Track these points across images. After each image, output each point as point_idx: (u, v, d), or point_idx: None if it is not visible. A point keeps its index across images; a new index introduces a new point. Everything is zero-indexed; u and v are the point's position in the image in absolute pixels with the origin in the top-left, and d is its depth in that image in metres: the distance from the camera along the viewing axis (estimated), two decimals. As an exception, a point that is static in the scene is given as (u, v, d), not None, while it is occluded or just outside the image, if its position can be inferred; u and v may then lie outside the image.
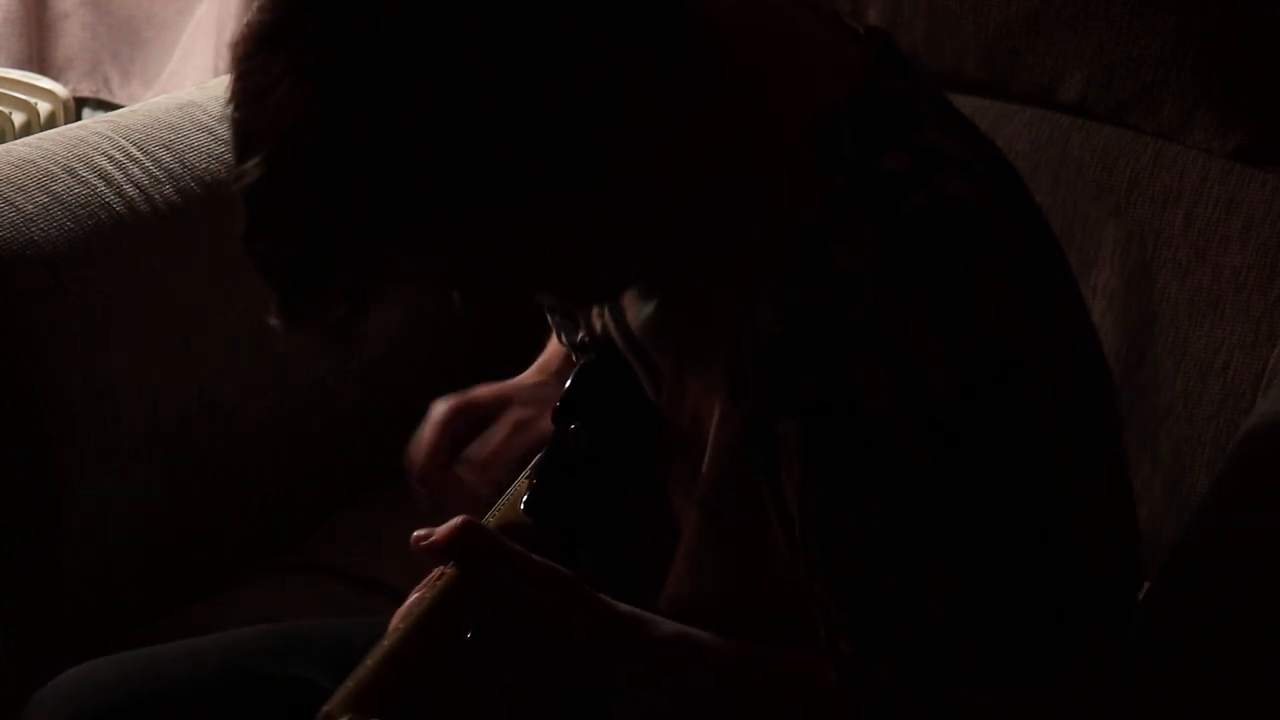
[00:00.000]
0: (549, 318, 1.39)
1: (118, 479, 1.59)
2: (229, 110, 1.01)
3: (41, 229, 1.56)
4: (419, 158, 0.97)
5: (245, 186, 1.00)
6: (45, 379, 1.53)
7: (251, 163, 0.99)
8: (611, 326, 1.21)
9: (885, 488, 0.99)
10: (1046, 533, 1.02)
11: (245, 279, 1.66)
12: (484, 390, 1.35)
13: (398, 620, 1.15)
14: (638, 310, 1.17)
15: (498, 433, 1.32)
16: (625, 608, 1.12)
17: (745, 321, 1.05)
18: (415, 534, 1.11)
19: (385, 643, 1.09)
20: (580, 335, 1.32)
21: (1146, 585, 1.15)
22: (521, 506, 1.21)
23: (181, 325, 1.62)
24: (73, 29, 2.55)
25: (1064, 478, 1.03)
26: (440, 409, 1.33)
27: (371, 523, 1.74)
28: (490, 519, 1.23)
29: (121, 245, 1.60)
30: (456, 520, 1.10)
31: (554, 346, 1.41)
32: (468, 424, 1.33)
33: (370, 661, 1.08)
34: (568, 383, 1.25)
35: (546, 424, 1.29)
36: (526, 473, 1.26)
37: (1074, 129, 1.56)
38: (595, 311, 1.24)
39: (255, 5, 1.01)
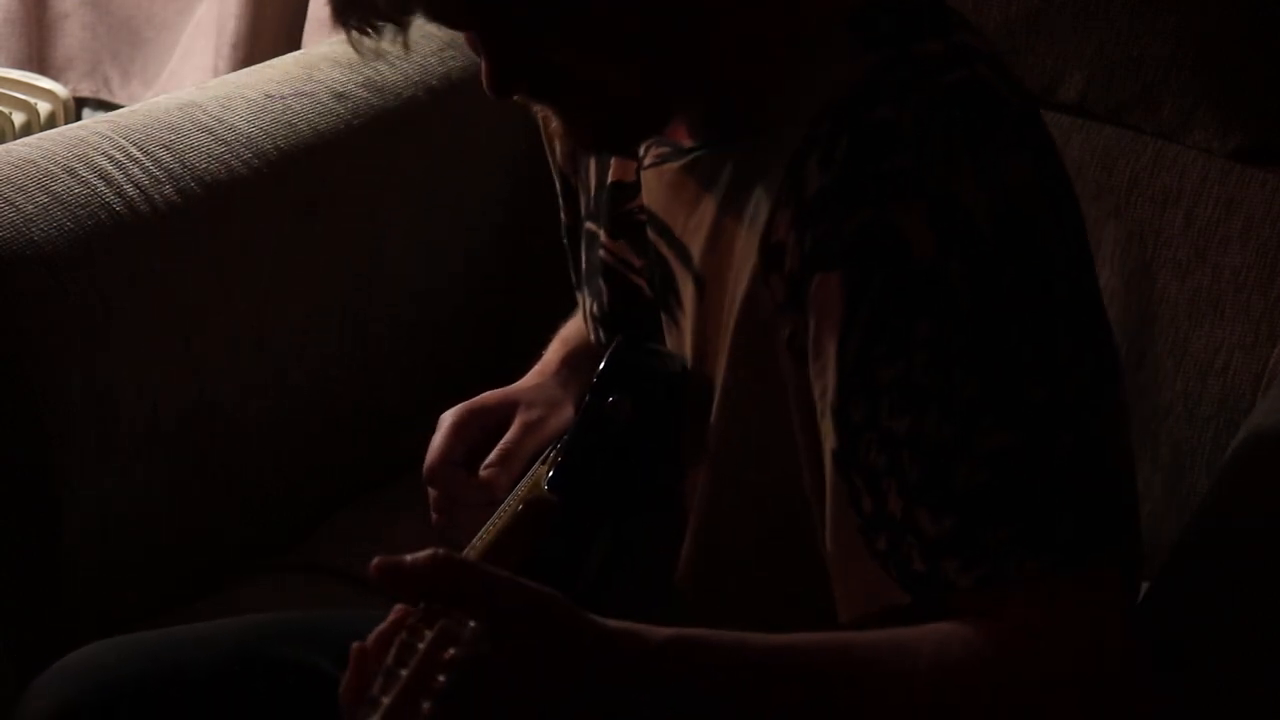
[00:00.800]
0: (579, 296, 1.37)
1: (118, 479, 1.59)
2: None
3: (41, 229, 1.56)
4: None
5: None
6: (45, 379, 1.53)
7: None
8: (661, 245, 1.20)
9: (931, 333, 0.98)
10: (1094, 388, 1.01)
11: (245, 279, 1.67)
12: (490, 395, 1.35)
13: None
14: (687, 219, 1.17)
15: (510, 434, 1.32)
16: (615, 624, 1.01)
17: (786, 184, 1.04)
18: (376, 561, 0.96)
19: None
20: (604, 310, 1.32)
21: (1146, 585, 1.15)
22: (545, 485, 1.21)
23: (181, 325, 1.62)
24: (73, 29, 2.55)
25: (1103, 342, 1.03)
26: (450, 416, 1.33)
27: (371, 523, 1.74)
28: (482, 539, 1.23)
29: (121, 245, 1.60)
30: (428, 551, 0.96)
31: (548, 354, 1.41)
32: (479, 428, 1.33)
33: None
34: (603, 360, 1.24)
35: (555, 424, 1.30)
36: (541, 461, 1.26)
37: (1074, 129, 1.56)
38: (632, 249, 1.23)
39: None
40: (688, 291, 1.17)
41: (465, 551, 1.14)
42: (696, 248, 1.15)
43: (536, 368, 1.40)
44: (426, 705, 0.91)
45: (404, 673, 0.93)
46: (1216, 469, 1.42)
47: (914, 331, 0.98)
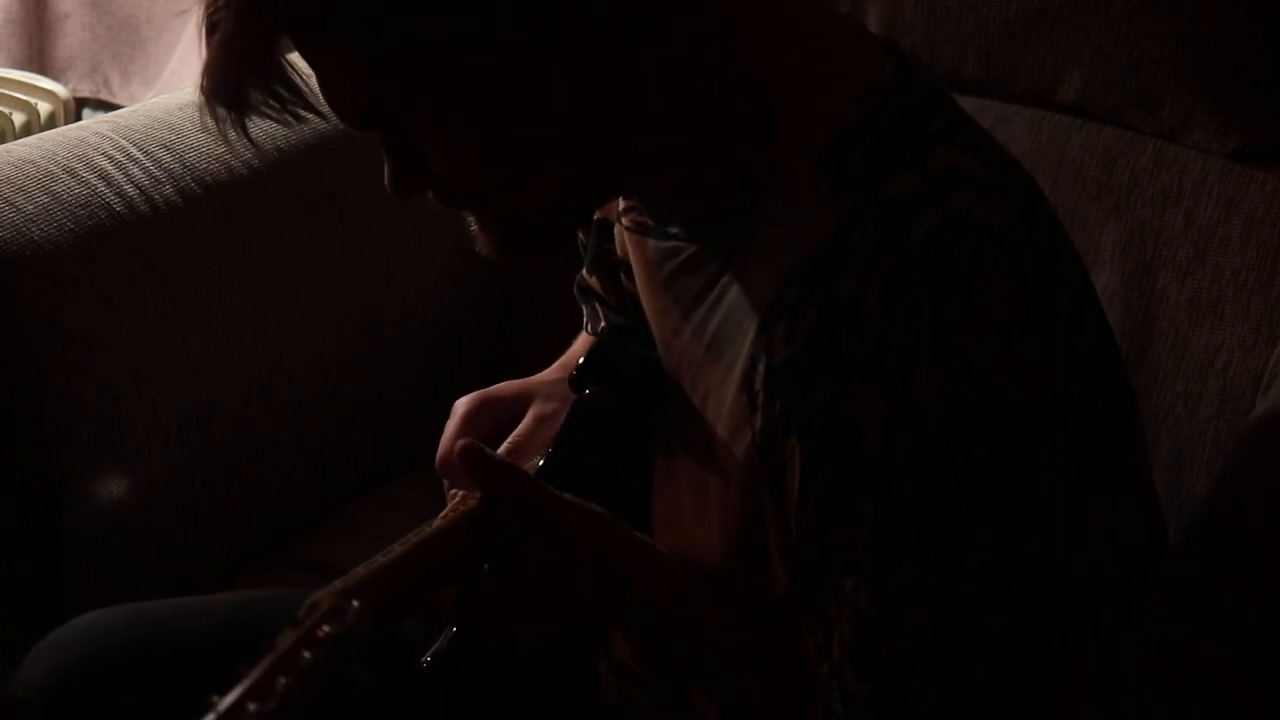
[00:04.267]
0: (577, 295, 1.38)
1: (118, 479, 1.58)
2: None
3: (42, 229, 1.56)
4: None
5: None
6: (45, 379, 1.53)
7: None
8: (634, 290, 1.22)
9: (874, 515, 1.02)
10: (1029, 569, 1.03)
11: (245, 279, 1.67)
12: (505, 386, 1.35)
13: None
14: (652, 299, 1.18)
15: (522, 426, 1.32)
16: (662, 548, 1.14)
17: (760, 340, 1.06)
18: (462, 443, 1.12)
19: (397, 549, 1.11)
20: (602, 325, 1.33)
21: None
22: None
23: (181, 325, 1.62)
24: (73, 29, 2.55)
25: (1052, 509, 1.04)
26: (462, 405, 1.34)
27: (371, 523, 1.74)
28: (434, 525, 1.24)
29: (122, 245, 1.60)
30: (461, 446, 1.11)
31: (577, 346, 1.41)
32: (491, 419, 1.33)
33: (373, 564, 1.10)
34: (586, 353, 1.25)
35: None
36: (536, 458, 1.26)
37: (1074, 129, 1.56)
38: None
39: None
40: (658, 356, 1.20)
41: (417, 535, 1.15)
42: (661, 335, 1.18)
43: (559, 361, 1.40)
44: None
45: None
46: (1217, 469, 1.42)
47: (859, 510, 1.02)
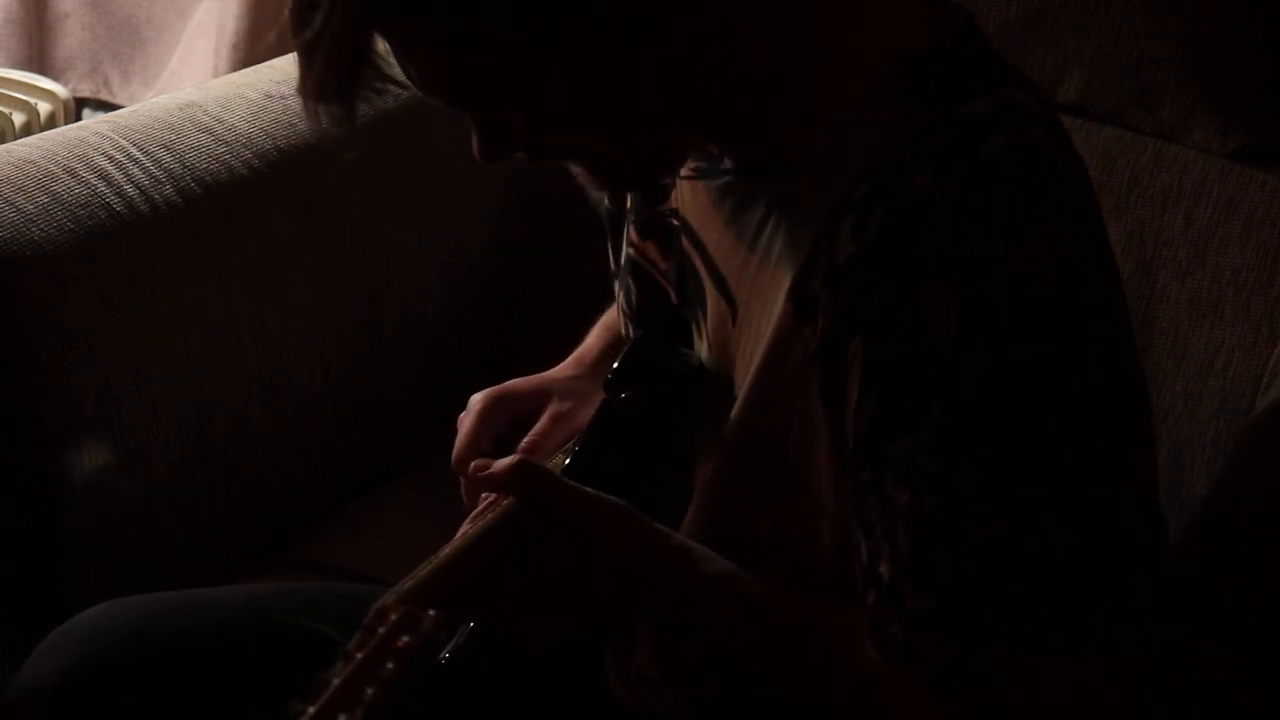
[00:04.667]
0: (615, 281, 1.38)
1: (118, 479, 1.59)
2: None
3: (42, 229, 1.56)
4: None
5: None
6: (45, 379, 1.53)
7: None
8: (694, 256, 1.21)
9: (940, 415, 1.00)
10: (1093, 496, 1.02)
11: (245, 279, 1.67)
12: (521, 382, 1.35)
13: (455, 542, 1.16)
14: (719, 240, 1.18)
15: (538, 425, 1.32)
16: (679, 540, 1.13)
17: (821, 241, 1.05)
18: (474, 463, 1.15)
19: (444, 551, 1.11)
20: (633, 308, 1.32)
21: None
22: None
23: (181, 325, 1.62)
24: (73, 29, 2.55)
25: (1114, 436, 1.03)
26: (478, 400, 1.33)
27: (371, 523, 1.74)
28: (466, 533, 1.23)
29: (121, 245, 1.60)
30: (514, 457, 1.12)
31: (588, 342, 1.41)
32: (506, 415, 1.33)
33: (424, 570, 1.10)
34: (621, 354, 1.25)
35: (585, 417, 1.29)
36: (563, 450, 1.26)
37: (1074, 129, 1.55)
38: (666, 244, 1.24)
39: None
40: (713, 307, 1.19)
41: (457, 539, 1.15)
42: (729, 270, 1.17)
43: (575, 354, 1.40)
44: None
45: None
46: (1217, 469, 1.42)
47: (924, 411, 1.00)
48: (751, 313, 1.14)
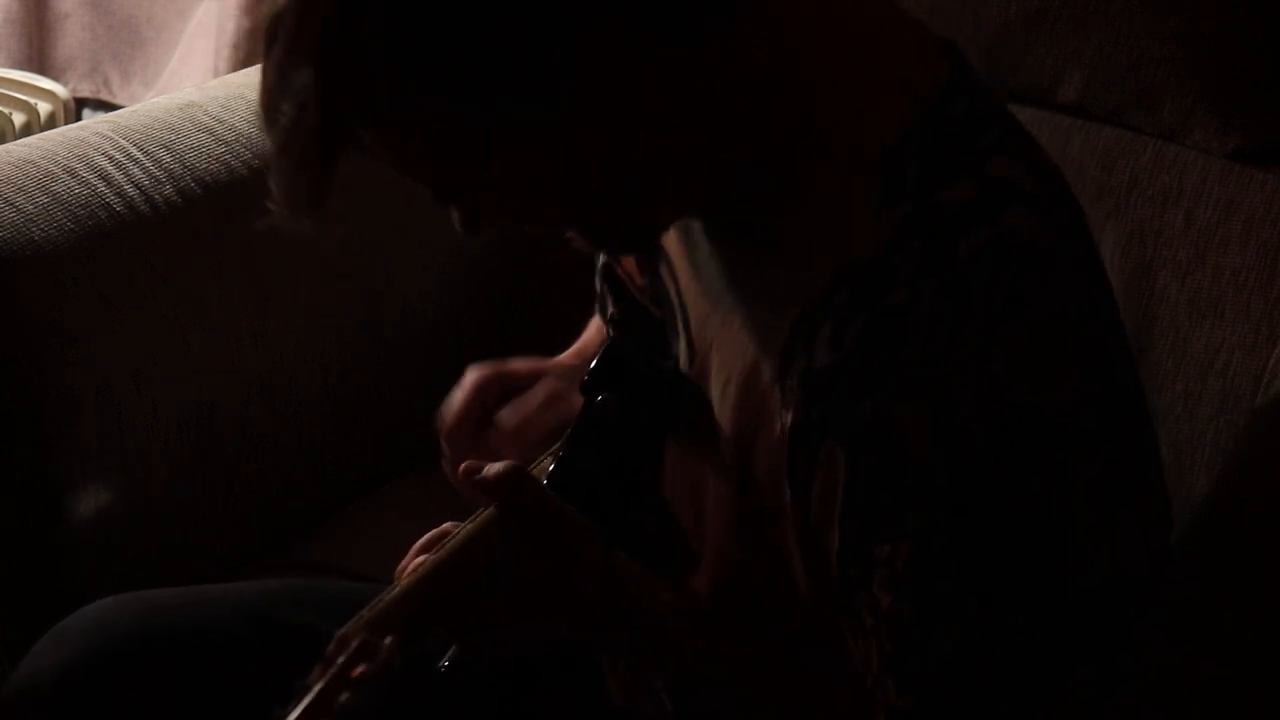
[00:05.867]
0: (598, 284, 1.38)
1: (118, 479, 1.58)
2: None
3: (42, 229, 1.56)
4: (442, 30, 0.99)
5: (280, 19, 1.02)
6: (45, 379, 1.53)
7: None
8: (669, 283, 1.22)
9: (917, 526, 1.03)
10: (1060, 590, 1.05)
11: (245, 279, 1.67)
12: (520, 362, 1.36)
13: (415, 554, 1.19)
14: (689, 281, 1.19)
15: (531, 401, 1.33)
16: (640, 570, 1.16)
17: (799, 339, 1.07)
18: (465, 465, 1.15)
19: (417, 571, 1.13)
20: (611, 312, 1.33)
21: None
22: (545, 481, 1.22)
23: (181, 325, 1.62)
24: (73, 29, 2.55)
25: (1085, 528, 1.05)
26: (474, 373, 1.34)
27: (371, 523, 1.74)
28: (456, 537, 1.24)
29: (121, 245, 1.60)
30: (506, 463, 1.13)
31: (590, 332, 1.41)
32: (501, 391, 1.34)
33: (392, 592, 1.12)
34: (596, 357, 1.26)
35: (578, 403, 1.30)
36: (550, 451, 1.26)
37: (1074, 129, 1.56)
38: (645, 267, 1.25)
39: None
40: (681, 338, 1.20)
41: (448, 540, 1.16)
42: (693, 314, 1.18)
43: (575, 347, 1.41)
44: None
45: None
46: (1217, 469, 1.42)
47: (903, 521, 1.03)
48: (708, 363, 1.16)
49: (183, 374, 1.62)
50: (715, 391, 1.16)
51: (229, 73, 2.25)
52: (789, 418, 1.07)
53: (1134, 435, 1.12)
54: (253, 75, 1.82)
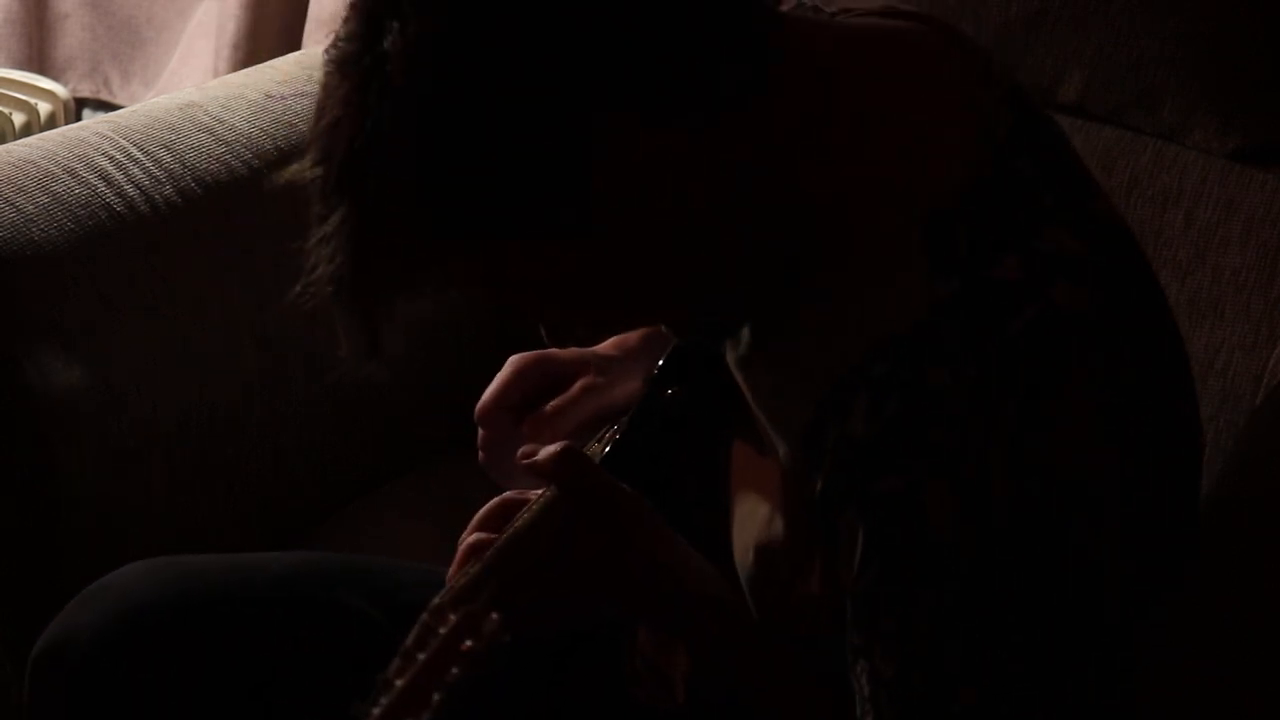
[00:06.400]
0: None
1: (118, 479, 1.58)
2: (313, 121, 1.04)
3: (42, 229, 1.56)
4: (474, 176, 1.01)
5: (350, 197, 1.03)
6: (45, 379, 1.53)
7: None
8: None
9: (931, 604, 1.02)
10: (1078, 667, 1.04)
11: (245, 279, 1.67)
12: (561, 350, 1.35)
13: (475, 528, 1.20)
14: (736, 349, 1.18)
15: (571, 391, 1.33)
16: (690, 556, 1.16)
17: (832, 404, 1.05)
18: (523, 449, 1.17)
19: (496, 546, 1.14)
20: None
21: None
22: (599, 463, 1.22)
23: (181, 325, 1.62)
24: (73, 29, 2.55)
25: (1107, 606, 1.05)
26: (516, 358, 1.35)
27: (371, 522, 1.74)
28: (515, 523, 1.24)
29: (122, 245, 1.60)
30: (559, 445, 1.14)
31: (635, 332, 1.41)
32: (543, 377, 1.34)
33: (476, 568, 1.12)
34: (668, 351, 1.26)
35: (619, 394, 1.31)
36: (596, 438, 1.26)
37: (1074, 129, 1.56)
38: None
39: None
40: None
41: (504, 532, 1.17)
42: (732, 358, 1.18)
43: (615, 339, 1.40)
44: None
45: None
46: (1216, 469, 1.42)
47: (916, 598, 1.03)
48: (757, 399, 1.15)
49: (183, 374, 1.62)
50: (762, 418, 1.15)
51: (229, 73, 2.25)
52: (819, 480, 1.06)
53: (1177, 517, 1.11)
54: (253, 75, 1.82)
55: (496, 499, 1.23)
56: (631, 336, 1.39)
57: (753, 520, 1.16)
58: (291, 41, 2.35)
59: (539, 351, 1.34)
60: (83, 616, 1.32)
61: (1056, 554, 1.02)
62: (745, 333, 1.14)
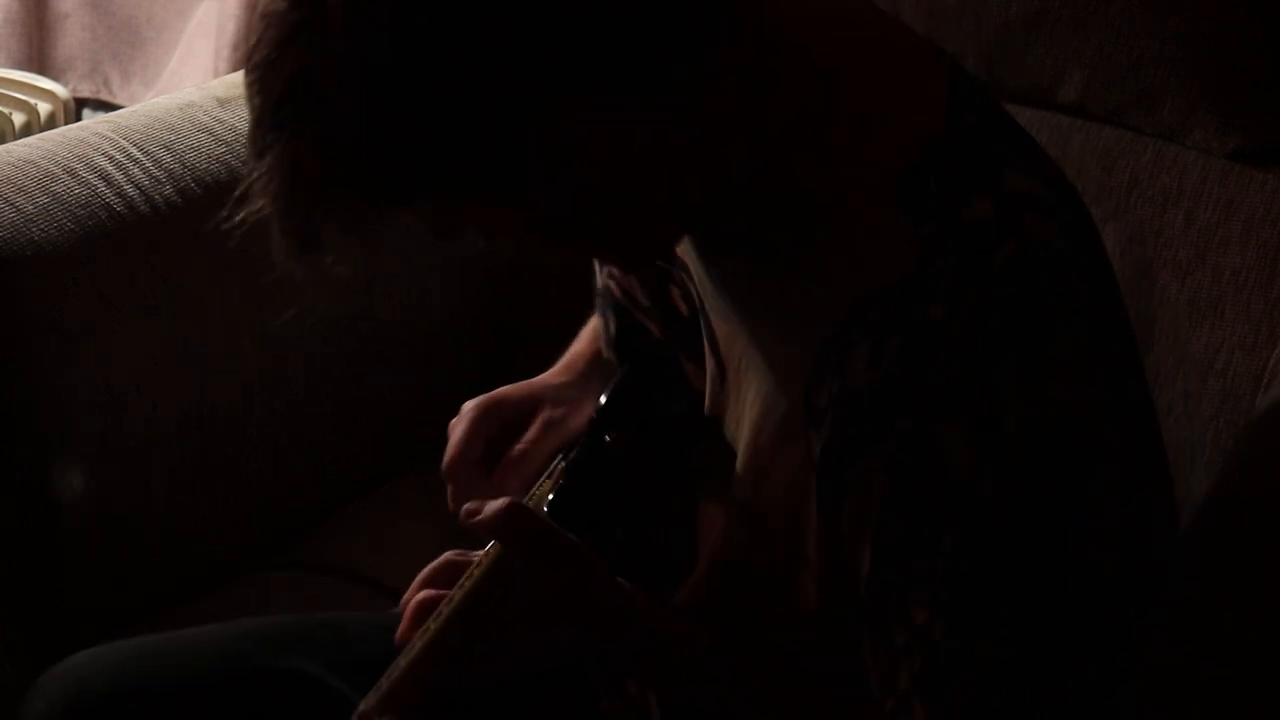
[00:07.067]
0: (596, 302, 1.38)
1: (118, 479, 1.58)
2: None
3: (42, 229, 1.56)
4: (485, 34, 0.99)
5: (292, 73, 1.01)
6: (45, 379, 1.53)
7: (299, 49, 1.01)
8: (682, 302, 1.22)
9: (955, 545, 1.03)
10: (1096, 608, 1.04)
11: (245, 279, 1.67)
12: (513, 389, 1.36)
13: (418, 587, 1.20)
14: (712, 299, 1.18)
15: (530, 432, 1.33)
16: (644, 597, 1.16)
17: (831, 357, 1.06)
18: (466, 507, 1.15)
19: (425, 635, 1.13)
20: (612, 334, 1.32)
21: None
22: (545, 509, 1.22)
23: (181, 325, 1.62)
24: (73, 29, 2.55)
25: (1121, 543, 1.05)
26: (470, 407, 1.34)
27: (371, 523, 1.74)
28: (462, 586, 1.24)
29: (121, 245, 1.60)
30: (503, 501, 1.14)
31: (578, 346, 1.41)
32: (499, 422, 1.33)
33: (406, 659, 1.12)
34: (606, 391, 1.25)
35: (577, 423, 1.30)
36: (547, 474, 1.26)
37: (1074, 129, 1.56)
38: (671, 294, 1.26)
39: None
40: (709, 358, 1.21)
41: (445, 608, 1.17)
42: (719, 332, 1.18)
43: (564, 361, 1.40)
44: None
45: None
46: (1216, 469, 1.42)
47: (941, 541, 1.03)
48: (737, 384, 1.16)
49: (183, 374, 1.62)
50: (746, 405, 1.15)
51: (229, 73, 2.25)
52: (820, 437, 1.07)
53: (1150, 442, 1.12)
54: (253, 75, 1.82)
55: (441, 558, 1.22)
56: (579, 359, 1.39)
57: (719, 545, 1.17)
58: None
59: (490, 395, 1.34)
60: (31, 713, 1.32)
61: (1073, 484, 1.03)
62: (743, 277, 1.14)
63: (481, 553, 1.17)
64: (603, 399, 1.25)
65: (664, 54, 1.01)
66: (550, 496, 1.23)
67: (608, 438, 1.23)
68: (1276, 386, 1.40)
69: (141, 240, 1.61)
